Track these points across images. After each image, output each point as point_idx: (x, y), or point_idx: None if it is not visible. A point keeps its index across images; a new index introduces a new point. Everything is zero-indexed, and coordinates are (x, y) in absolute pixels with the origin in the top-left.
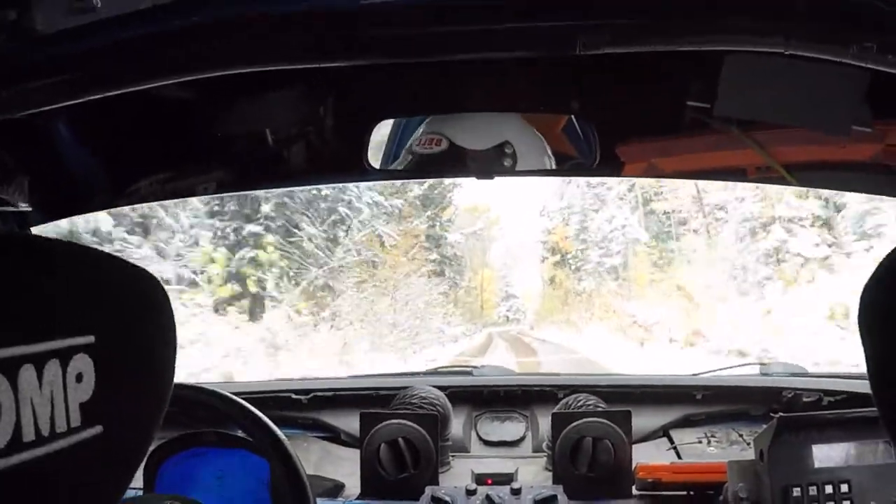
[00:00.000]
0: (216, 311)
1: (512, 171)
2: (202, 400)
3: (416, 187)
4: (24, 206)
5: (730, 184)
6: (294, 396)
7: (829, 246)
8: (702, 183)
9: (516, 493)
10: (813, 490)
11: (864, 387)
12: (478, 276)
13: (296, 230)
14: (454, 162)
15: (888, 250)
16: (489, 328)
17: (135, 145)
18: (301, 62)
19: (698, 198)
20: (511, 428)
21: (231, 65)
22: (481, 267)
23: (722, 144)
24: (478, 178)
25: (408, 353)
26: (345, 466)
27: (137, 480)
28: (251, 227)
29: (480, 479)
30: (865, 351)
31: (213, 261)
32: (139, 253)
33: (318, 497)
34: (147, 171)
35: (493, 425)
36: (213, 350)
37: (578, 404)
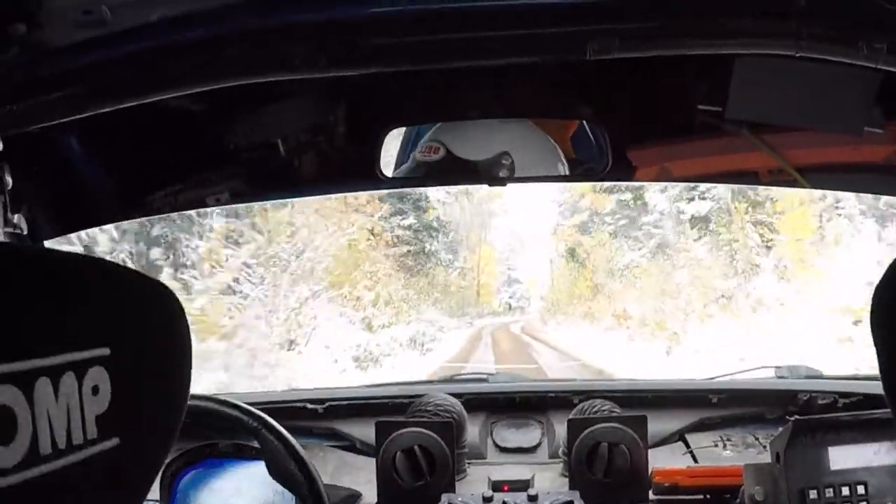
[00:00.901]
0: None
1: (521, 178)
2: (218, 411)
3: None
4: (36, 220)
5: None
6: (309, 406)
7: None
8: None
9: (533, 499)
10: (829, 492)
11: (878, 388)
12: (475, 255)
13: None
14: (455, 170)
15: None
16: (485, 319)
17: (146, 157)
18: (312, 72)
19: None
20: (527, 434)
21: (241, 75)
22: (479, 244)
23: (733, 147)
24: (490, 184)
25: None
26: (361, 475)
27: (154, 492)
28: None
29: (497, 485)
30: (878, 351)
31: None
32: None
33: None
34: (159, 183)
35: (508, 432)
36: None
37: (594, 410)
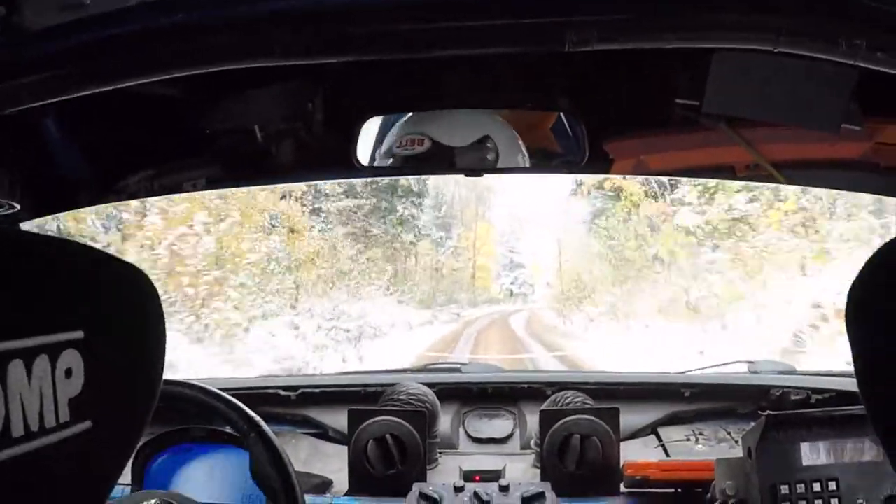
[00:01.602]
0: None
1: (498, 169)
2: (190, 396)
3: None
4: (12, 203)
5: None
6: (282, 393)
7: None
8: None
9: (504, 489)
10: (801, 488)
11: (851, 385)
12: (471, 232)
13: None
14: (439, 160)
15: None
16: (480, 308)
17: (124, 141)
18: (291, 59)
19: None
20: (499, 425)
21: (219, 62)
22: (475, 220)
23: (711, 142)
24: (466, 175)
25: None
26: (333, 463)
27: (125, 477)
28: None
29: (468, 475)
30: (852, 348)
31: None
32: None
33: (306, 493)
34: (136, 168)
35: (481, 422)
36: None
37: (567, 401)
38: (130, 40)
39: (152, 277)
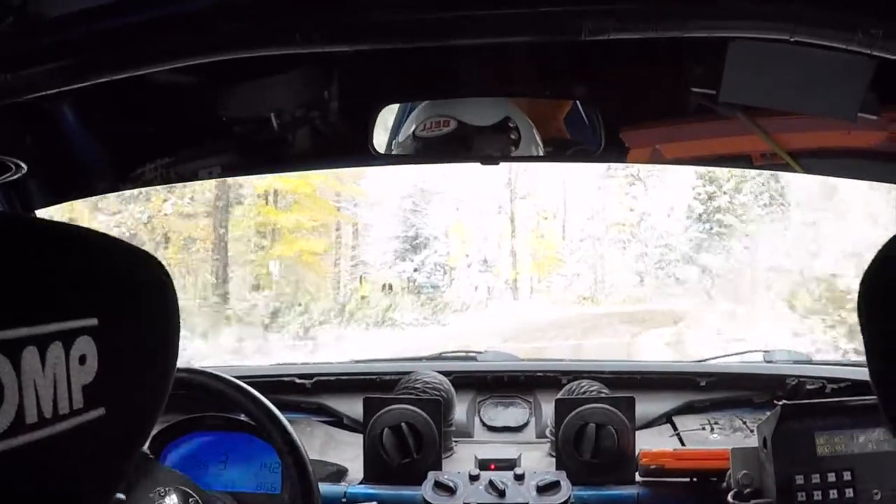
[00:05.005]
0: None
1: (515, 157)
2: (206, 384)
3: None
4: (28, 189)
5: None
6: (298, 381)
7: None
8: None
9: (519, 478)
10: (816, 478)
11: (866, 374)
12: None
13: None
14: (461, 144)
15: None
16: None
17: (139, 129)
18: (311, 47)
19: None
20: (514, 413)
21: (236, 49)
22: None
23: (727, 131)
24: (483, 163)
25: None
26: (348, 451)
27: None
28: None
29: (483, 464)
30: (864, 337)
31: None
32: None
33: (321, 482)
34: (151, 155)
35: (496, 411)
36: None
37: (582, 390)
38: (147, 27)
39: None
